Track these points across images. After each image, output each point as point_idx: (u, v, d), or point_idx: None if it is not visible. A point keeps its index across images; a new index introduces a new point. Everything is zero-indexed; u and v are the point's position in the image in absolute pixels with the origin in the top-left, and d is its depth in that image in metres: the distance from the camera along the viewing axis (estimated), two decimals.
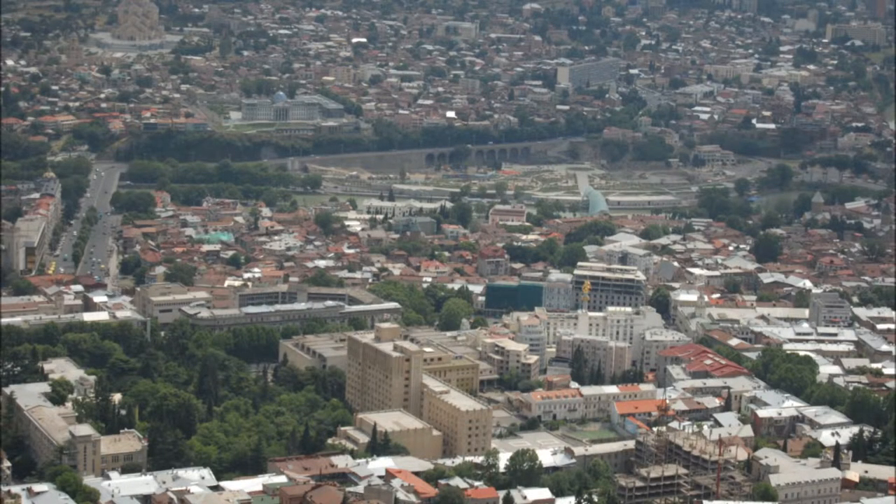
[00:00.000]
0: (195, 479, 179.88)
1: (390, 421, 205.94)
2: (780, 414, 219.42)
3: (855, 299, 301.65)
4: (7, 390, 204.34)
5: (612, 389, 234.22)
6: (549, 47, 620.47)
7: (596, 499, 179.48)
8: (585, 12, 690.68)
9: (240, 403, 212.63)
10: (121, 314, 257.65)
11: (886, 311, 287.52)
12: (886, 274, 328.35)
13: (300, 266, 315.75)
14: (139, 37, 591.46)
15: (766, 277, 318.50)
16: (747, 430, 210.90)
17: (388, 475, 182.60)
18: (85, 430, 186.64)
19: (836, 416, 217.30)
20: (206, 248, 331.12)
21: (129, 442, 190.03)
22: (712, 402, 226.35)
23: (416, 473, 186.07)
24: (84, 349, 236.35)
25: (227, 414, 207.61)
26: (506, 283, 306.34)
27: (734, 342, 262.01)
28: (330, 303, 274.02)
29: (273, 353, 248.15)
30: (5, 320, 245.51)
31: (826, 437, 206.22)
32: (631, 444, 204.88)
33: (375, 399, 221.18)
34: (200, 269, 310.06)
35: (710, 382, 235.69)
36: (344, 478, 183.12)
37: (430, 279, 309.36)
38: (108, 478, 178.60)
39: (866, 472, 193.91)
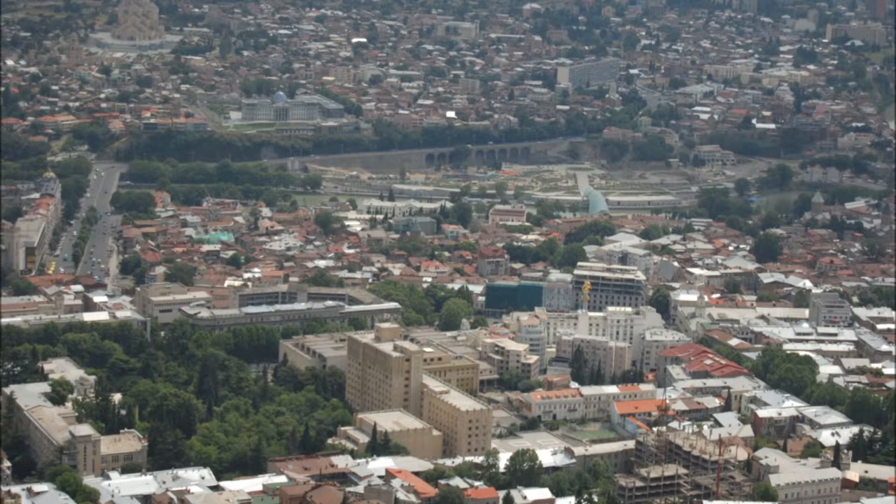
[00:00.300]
0: (195, 479, 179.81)
1: (390, 421, 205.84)
2: (780, 414, 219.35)
3: (855, 299, 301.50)
4: (7, 390, 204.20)
5: (612, 389, 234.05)
6: (549, 47, 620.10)
7: (596, 499, 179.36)
8: (585, 12, 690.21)
9: (240, 403, 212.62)
10: (121, 314, 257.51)
11: (886, 311, 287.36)
12: (886, 274, 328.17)
13: (300, 266, 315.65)
14: (139, 37, 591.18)
15: (766, 277, 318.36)
16: (747, 430, 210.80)
17: (388, 475, 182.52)
18: (85, 430, 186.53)
19: (836, 416, 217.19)
20: (206, 248, 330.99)
21: (129, 442, 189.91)
22: (712, 402, 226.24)
23: (416, 473, 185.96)
24: (84, 349, 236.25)
25: (227, 414, 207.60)
26: (506, 283, 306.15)
27: (734, 342, 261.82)
28: (330, 303, 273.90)
29: (273, 353, 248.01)
30: (5, 320, 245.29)
31: (826, 437, 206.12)
32: (631, 444, 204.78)
33: (375, 399, 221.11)
34: (200, 269, 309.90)
35: (710, 382, 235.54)
36: (344, 478, 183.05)
37: (430, 279, 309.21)
38: (108, 478, 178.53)
39: (866, 472, 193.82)
